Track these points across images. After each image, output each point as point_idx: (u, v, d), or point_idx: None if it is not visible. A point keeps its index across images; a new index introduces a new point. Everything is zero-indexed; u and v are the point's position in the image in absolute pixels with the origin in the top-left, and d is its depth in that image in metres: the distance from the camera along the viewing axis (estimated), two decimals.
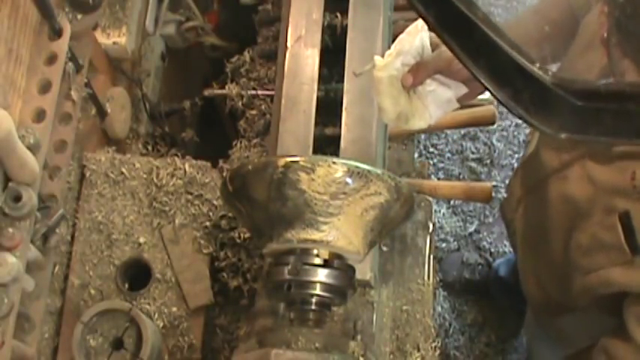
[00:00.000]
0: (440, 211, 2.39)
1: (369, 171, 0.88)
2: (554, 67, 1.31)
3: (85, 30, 1.27)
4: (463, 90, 1.04)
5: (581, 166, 1.09)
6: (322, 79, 1.28)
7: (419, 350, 1.19)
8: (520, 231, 1.35)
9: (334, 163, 0.86)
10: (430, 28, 0.72)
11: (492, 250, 2.35)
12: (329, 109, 1.26)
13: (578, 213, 1.10)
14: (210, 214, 1.34)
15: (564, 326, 1.36)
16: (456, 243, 2.37)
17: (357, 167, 0.87)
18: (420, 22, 1.01)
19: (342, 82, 1.26)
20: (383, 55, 1.05)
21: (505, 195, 1.59)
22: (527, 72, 0.65)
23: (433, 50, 1.03)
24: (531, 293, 1.36)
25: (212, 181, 1.37)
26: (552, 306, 1.31)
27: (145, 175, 1.37)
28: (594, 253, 1.07)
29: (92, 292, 1.30)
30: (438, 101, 1.04)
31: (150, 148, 1.64)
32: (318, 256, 0.90)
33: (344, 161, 0.88)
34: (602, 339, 1.12)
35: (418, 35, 1.01)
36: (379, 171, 0.92)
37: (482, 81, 0.68)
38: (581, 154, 1.09)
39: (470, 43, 0.68)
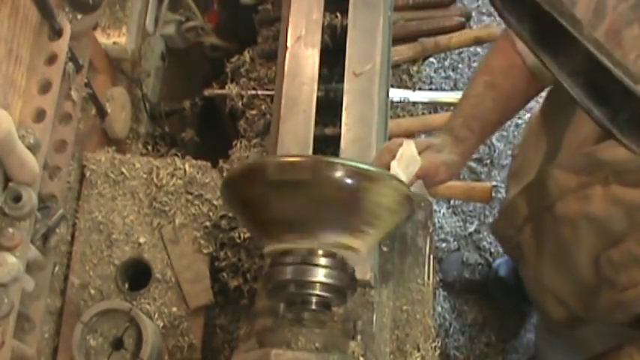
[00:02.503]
0: (440, 211, 2.39)
1: (369, 171, 0.88)
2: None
3: (85, 30, 1.27)
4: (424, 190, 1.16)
5: (604, 187, 1.04)
6: (322, 79, 1.28)
7: (419, 350, 1.19)
8: (531, 248, 1.28)
9: (334, 162, 0.86)
10: (523, 42, 0.70)
11: (492, 250, 2.35)
12: (329, 109, 1.26)
13: (607, 231, 1.05)
14: (210, 214, 1.34)
15: (583, 335, 1.31)
16: (456, 243, 2.37)
17: (357, 167, 0.87)
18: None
19: (342, 82, 1.26)
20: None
21: (501, 210, 1.53)
22: (631, 92, 0.64)
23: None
24: (549, 309, 1.29)
25: (212, 181, 1.37)
26: (573, 321, 1.26)
27: (145, 175, 1.37)
28: (630, 269, 1.03)
29: (92, 292, 1.29)
30: None
31: (150, 148, 1.64)
32: (318, 256, 0.90)
33: (344, 161, 0.88)
34: (628, 347, 1.08)
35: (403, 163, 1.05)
36: (379, 171, 0.92)
37: (577, 97, 0.67)
38: (603, 177, 1.03)
39: (570, 61, 0.66)
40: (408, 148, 1.03)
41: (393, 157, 1.02)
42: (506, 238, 1.35)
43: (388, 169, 1.00)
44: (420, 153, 1.06)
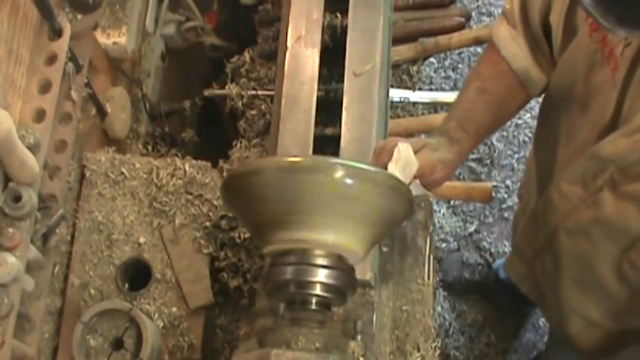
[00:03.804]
0: (440, 211, 2.39)
1: (369, 171, 0.88)
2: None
3: (85, 30, 1.27)
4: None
5: (612, 189, 1.01)
6: (322, 79, 1.28)
7: (419, 350, 1.19)
8: (549, 278, 1.24)
9: (334, 163, 0.86)
10: None
11: (492, 250, 2.35)
12: (329, 109, 1.26)
13: (622, 234, 1.02)
14: (210, 214, 1.34)
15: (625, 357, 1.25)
16: (455, 243, 2.37)
17: (356, 167, 0.87)
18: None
19: (342, 82, 1.26)
20: None
21: (511, 249, 1.46)
22: None
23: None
24: (579, 335, 1.25)
25: (212, 181, 1.37)
26: (611, 342, 1.21)
27: (145, 175, 1.37)
28: None
29: (92, 292, 1.29)
30: None
31: (150, 148, 1.64)
32: (318, 256, 0.90)
33: (344, 161, 0.88)
34: None
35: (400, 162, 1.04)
36: (379, 171, 0.92)
37: None
38: (609, 178, 1.01)
39: None
40: (405, 150, 1.03)
41: (390, 158, 1.01)
42: (521, 276, 1.33)
43: (385, 170, 1.00)
44: (416, 152, 1.06)
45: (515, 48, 1.17)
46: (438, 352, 1.21)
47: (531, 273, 1.29)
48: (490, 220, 2.40)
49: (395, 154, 1.01)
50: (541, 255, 1.22)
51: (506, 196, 2.41)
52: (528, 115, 2.46)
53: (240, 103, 1.54)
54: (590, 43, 1.02)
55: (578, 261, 1.14)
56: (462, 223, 2.39)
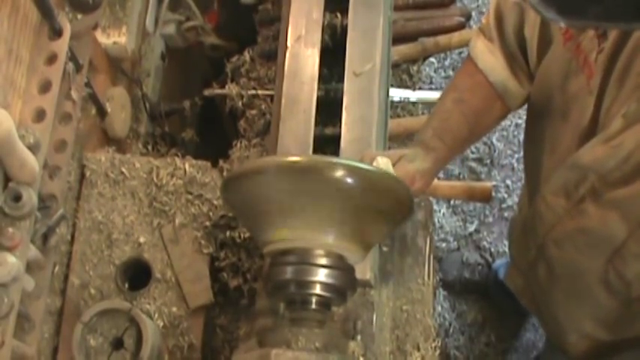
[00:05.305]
0: (440, 211, 2.39)
1: (369, 171, 0.88)
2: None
3: (85, 30, 1.27)
4: None
5: (594, 198, 1.01)
6: (322, 78, 1.29)
7: (419, 350, 1.19)
8: (543, 289, 1.25)
9: (334, 163, 0.86)
10: None
11: (492, 249, 2.35)
12: (329, 108, 1.26)
13: (606, 242, 1.02)
14: (210, 213, 1.34)
15: None
16: (455, 243, 2.37)
17: (357, 167, 0.87)
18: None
19: (342, 81, 1.26)
20: None
21: (509, 262, 1.47)
22: None
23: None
24: (575, 346, 1.25)
25: (212, 181, 1.37)
26: (602, 351, 1.22)
27: (145, 175, 1.37)
28: (637, 270, 1.01)
29: (92, 291, 1.30)
30: None
31: (150, 147, 1.64)
32: (318, 255, 0.90)
33: (344, 161, 0.88)
34: None
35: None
36: (379, 171, 0.92)
37: None
38: (590, 187, 1.00)
39: None
40: (385, 164, 1.04)
41: None
42: (519, 289, 1.34)
43: None
44: (393, 165, 1.06)
45: (492, 61, 1.18)
46: (437, 351, 1.21)
47: (527, 285, 1.29)
48: (490, 219, 2.40)
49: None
50: (534, 266, 1.23)
51: (506, 195, 2.41)
52: None
53: (240, 103, 1.54)
54: (564, 53, 1.02)
55: (569, 272, 1.14)
56: (462, 223, 2.39)
